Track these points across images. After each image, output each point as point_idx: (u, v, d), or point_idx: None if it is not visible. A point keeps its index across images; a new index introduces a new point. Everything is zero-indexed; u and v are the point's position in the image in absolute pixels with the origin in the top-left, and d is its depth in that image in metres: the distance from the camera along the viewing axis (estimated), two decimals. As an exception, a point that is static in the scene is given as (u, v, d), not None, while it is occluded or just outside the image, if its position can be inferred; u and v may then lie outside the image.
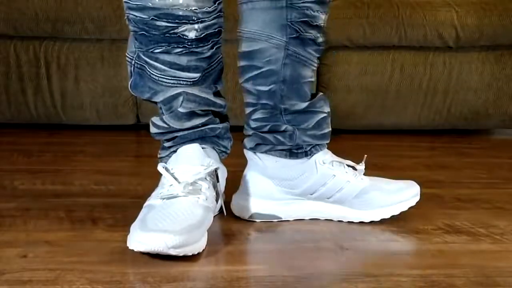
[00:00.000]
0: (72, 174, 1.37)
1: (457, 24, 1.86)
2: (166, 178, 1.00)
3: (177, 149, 1.05)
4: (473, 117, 1.94)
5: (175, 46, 0.98)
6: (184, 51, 0.99)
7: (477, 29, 1.86)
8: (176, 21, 0.96)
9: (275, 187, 1.09)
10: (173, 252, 0.88)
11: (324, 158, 1.10)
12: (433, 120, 1.94)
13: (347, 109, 1.90)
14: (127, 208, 1.14)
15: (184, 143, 1.05)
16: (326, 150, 1.11)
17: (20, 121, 1.84)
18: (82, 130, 1.84)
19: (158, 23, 0.96)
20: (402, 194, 1.11)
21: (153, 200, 0.98)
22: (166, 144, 1.08)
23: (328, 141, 1.12)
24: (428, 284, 0.87)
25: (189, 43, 0.98)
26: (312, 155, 1.09)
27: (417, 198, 1.12)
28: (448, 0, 1.90)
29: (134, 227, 0.92)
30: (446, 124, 1.96)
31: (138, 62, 1.03)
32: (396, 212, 1.10)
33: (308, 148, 1.09)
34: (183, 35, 0.97)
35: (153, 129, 1.09)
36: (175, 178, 0.98)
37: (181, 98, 1.02)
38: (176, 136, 1.06)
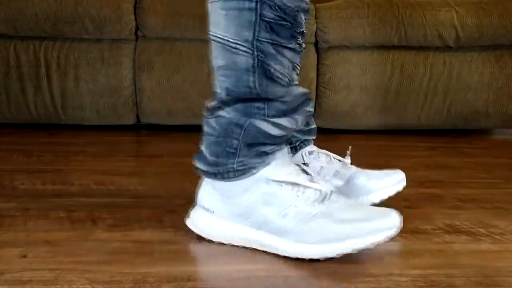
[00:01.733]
0: (72, 174, 1.37)
1: (457, 24, 1.86)
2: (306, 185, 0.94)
3: (275, 154, 0.98)
4: (473, 117, 1.94)
5: (298, 44, 0.95)
6: (299, 51, 0.96)
7: (477, 29, 1.86)
8: (305, 19, 0.95)
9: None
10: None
11: (309, 150, 1.07)
12: (433, 120, 1.94)
13: (347, 109, 1.90)
14: (127, 208, 1.14)
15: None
16: (311, 145, 1.09)
17: (20, 121, 1.85)
18: (82, 130, 1.84)
19: (300, 16, 0.93)
20: (389, 179, 1.10)
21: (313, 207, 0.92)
22: (268, 149, 0.97)
23: (313, 137, 1.11)
24: (428, 284, 0.87)
25: (300, 42, 0.96)
26: (299, 150, 1.08)
27: (403, 183, 1.12)
28: (448, 0, 1.90)
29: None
30: (446, 124, 1.96)
31: (261, 55, 0.92)
32: (386, 196, 1.10)
33: (296, 144, 1.09)
34: (302, 34, 0.96)
35: (272, 131, 0.96)
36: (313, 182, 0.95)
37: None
38: (285, 140, 0.99)
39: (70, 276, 0.85)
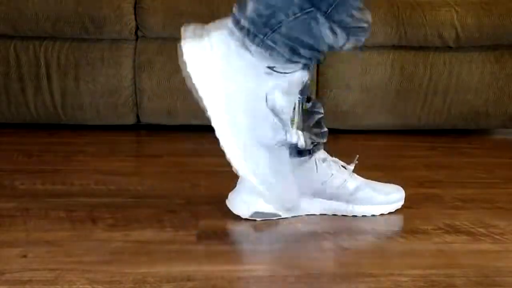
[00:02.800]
0: (72, 174, 1.37)
1: (457, 24, 1.86)
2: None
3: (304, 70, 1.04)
4: (473, 117, 1.94)
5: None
6: None
7: (477, 29, 1.86)
8: None
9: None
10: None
11: (322, 157, 1.12)
12: (433, 120, 1.94)
13: (347, 109, 1.90)
14: (127, 208, 1.14)
15: None
16: (323, 150, 1.14)
17: (20, 121, 1.84)
18: (82, 130, 1.84)
19: None
20: (391, 196, 1.17)
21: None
22: (302, 53, 1.00)
23: (325, 141, 1.14)
24: (428, 284, 0.87)
25: None
26: (313, 154, 1.11)
27: (401, 202, 1.19)
28: (448, 0, 1.90)
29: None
30: (446, 124, 1.96)
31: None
32: (386, 211, 1.16)
33: (311, 147, 1.10)
34: None
35: (326, 37, 0.99)
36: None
37: None
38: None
39: (70, 276, 0.85)
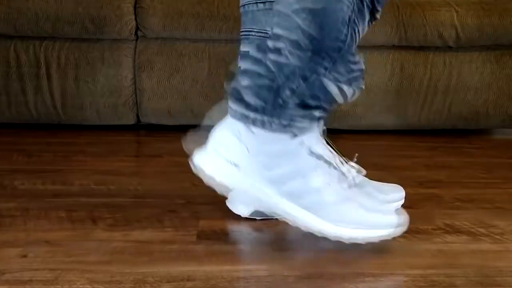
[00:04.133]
0: (72, 174, 1.37)
1: (457, 24, 1.86)
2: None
3: (318, 123, 0.97)
4: (473, 117, 1.94)
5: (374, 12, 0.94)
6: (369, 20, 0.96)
7: (477, 29, 1.86)
8: None
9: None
10: None
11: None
12: (433, 120, 1.94)
13: (347, 109, 1.90)
14: (127, 208, 1.14)
15: None
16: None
17: (20, 121, 1.85)
18: (82, 130, 1.84)
19: None
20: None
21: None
22: (317, 114, 0.94)
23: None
24: (428, 284, 0.87)
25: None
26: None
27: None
28: (448, 0, 1.90)
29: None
30: (446, 124, 1.96)
31: (356, 10, 0.89)
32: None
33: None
34: None
35: (337, 96, 0.93)
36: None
37: None
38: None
39: (70, 276, 0.85)
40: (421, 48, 1.89)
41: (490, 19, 1.86)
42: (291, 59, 0.90)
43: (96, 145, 1.66)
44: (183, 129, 1.86)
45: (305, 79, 0.90)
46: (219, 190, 0.95)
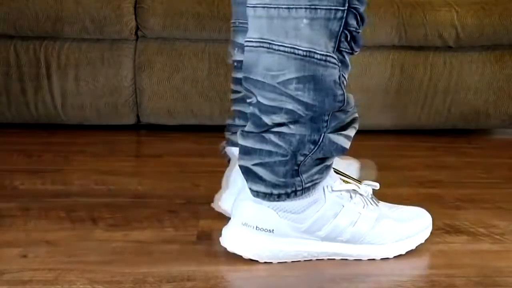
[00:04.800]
0: (72, 174, 1.37)
1: (457, 24, 1.86)
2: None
3: None
4: (473, 117, 1.94)
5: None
6: None
7: (477, 29, 1.86)
8: None
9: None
10: None
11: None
12: (433, 120, 1.94)
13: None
14: (127, 208, 1.14)
15: None
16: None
17: (20, 121, 1.84)
18: (82, 130, 1.84)
19: None
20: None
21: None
22: (330, 163, 0.95)
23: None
24: (428, 284, 0.87)
25: None
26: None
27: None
28: (448, 0, 1.90)
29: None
30: (446, 124, 1.96)
31: (341, 66, 0.90)
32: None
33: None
34: None
35: (346, 144, 0.93)
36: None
37: None
38: None
39: (70, 276, 0.85)
40: (421, 48, 1.89)
41: (490, 19, 1.86)
42: (294, 129, 0.89)
43: (96, 145, 1.66)
44: (183, 129, 1.87)
45: (315, 142, 0.90)
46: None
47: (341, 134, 0.91)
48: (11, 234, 1.00)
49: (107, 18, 1.78)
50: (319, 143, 0.90)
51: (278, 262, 0.92)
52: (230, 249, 0.92)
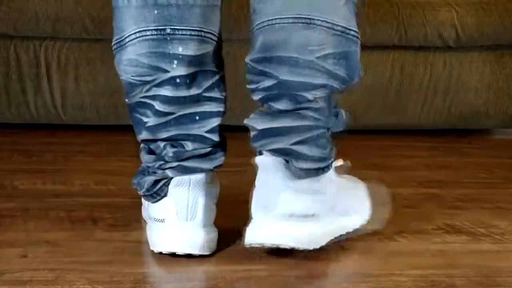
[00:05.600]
0: (72, 174, 1.37)
1: (457, 24, 1.86)
2: None
3: None
4: (473, 117, 1.94)
5: None
6: None
7: (477, 29, 1.86)
8: None
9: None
10: None
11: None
12: (433, 120, 1.94)
13: (347, 109, 1.90)
14: (127, 208, 1.14)
15: None
16: None
17: (20, 121, 1.85)
18: (82, 130, 1.84)
19: None
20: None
21: None
22: None
23: None
24: (428, 284, 0.87)
25: None
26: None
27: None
28: (448, 0, 1.90)
29: None
30: (446, 124, 1.96)
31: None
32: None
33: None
34: None
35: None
36: None
37: None
38: None
39: (70, 276, 0.85)
40: (421, 48, 1.89)
41: (490, 19, 1.86)
42: (323, 103, 0.91)
43: (96, 145, 1.66)
44: (183, 129, 1.87)
45: (336, 114, 0.96)
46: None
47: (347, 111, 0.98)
48: (11, 234, 1.00)
49: (107, 18, 1.78)
50: (338, 116, 0.96)
51: (280, 261, 0.92)
52: (278, 242, 0.90)
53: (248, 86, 0.94)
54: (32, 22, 1.76)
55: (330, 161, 0.94)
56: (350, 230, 0.99)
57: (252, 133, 0.93)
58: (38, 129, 1.83)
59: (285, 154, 0.91)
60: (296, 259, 0.94)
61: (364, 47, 1.98)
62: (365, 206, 1.02)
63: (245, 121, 0.93)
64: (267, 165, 0.91)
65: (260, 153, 0.94)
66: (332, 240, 0.96)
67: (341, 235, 0.98)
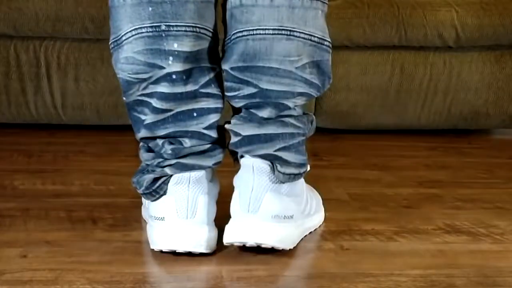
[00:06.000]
0: (72, 174, 1.37)
1: (457, 24, 1.85)
2: None
3: None
4: (473, 117, 1.94)
5: None
6: None
7: (477, 29, 1.86)
8: None
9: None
10: None
11: None
12: (433, 120, 1.94)
13: (347, 109, 1.90)
14: (127, 208, 1.14)
15: None
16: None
17: (20, 121, 1.84)
18: (82, 130, 1.84)
19: None
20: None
21: None
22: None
23: None
24: (428, 284, 0.87)
25: None
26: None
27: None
28: (448, 0, 1.90)
29: None
30: (446, 124, 1.96)
31: None
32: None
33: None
34: None
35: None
36: None
37: None
38: None
39: (70, 276, 0.85)
40: (421, 48, 1.89)
41: (490, 19, 1.86)
42: (300, 111, 0.96)
43: (96, 145, 1.66)
44: (183, 129, 1.87)
45: (312, 122, 1.01)
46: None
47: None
48: (11, 234, 1.00)
49: (107, 18, 1.77)
50: (312, 122, 1.00)
51: (280, 261, 0.92)
52: (261, 242, 0.92)
53: (227, 94, 0.96)
54: (32, 22, 1.76)
55: (307, 166, 0.98)
56: (313, 229, 1.05)
57: (236, 138, 0.95)
58: (38, 129, 1.83)
59: (270, 160, 0.94)
60: (296, 259, 0.94)
61: (364, 47, 1.99)
62: (321, 207, 1.10)
63: (227, 126, 0.95)
64: (252, 167, 0.93)
65: (242, 156, 0.96)
66: (300, 239, 1.00)
67: (305, 235, 1.03)
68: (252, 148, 0.94)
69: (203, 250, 0.91)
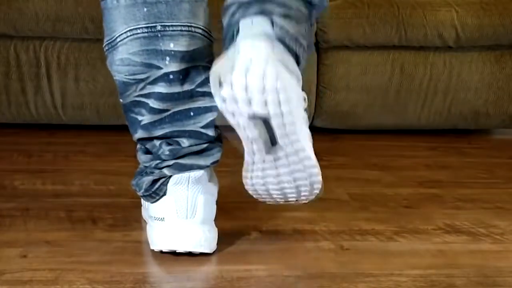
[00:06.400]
0: (72, 174, 1.37)
1: (457, 24, 1.86)
2: None
3: None
4: (473, 117, 1.94)
5: None
6: None
7: (477, 29, 1.86)
8: None
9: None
10: None
11: None
12: (433, 120, 1.94)
13: (347, 109, 1.90)
14: (127, 208, 1.14)
15: None
16: None
17: (20, 121, 1.84)
18: (82, 130, 1.84)
19: None
20: None
21: None
22: None
23: None
24: (428, 284, 0.87)
25: None
26: None
27: None
28: (448, 0, 1.90)
29: None
30: (446, 124, 1.96)
31: None
32: None
33: None
34: None
35: None
36: None
37: None
38: None
39: (70, 276, 0.85)
40: (421, 48, 1.89)
41: (490, 19, 1.86)
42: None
43: (96, 145, 1.66)
44: (183, 129, 1.87)
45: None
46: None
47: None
48: (11, 234, 1.00)
49: (107, 18, 1.78)
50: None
51: (280, 261, 0.92)
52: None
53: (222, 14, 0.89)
54: (32, 22, 1.76)
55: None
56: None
57: (232, 9, 0.86)
58: (38, 129, 1.83)
59: (268, 14, 0.83)
60: (296, 259, 0.94)
61: (364, 47, 1.99)
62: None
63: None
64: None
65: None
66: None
67: None
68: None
69: (203, 250, 0.91)
